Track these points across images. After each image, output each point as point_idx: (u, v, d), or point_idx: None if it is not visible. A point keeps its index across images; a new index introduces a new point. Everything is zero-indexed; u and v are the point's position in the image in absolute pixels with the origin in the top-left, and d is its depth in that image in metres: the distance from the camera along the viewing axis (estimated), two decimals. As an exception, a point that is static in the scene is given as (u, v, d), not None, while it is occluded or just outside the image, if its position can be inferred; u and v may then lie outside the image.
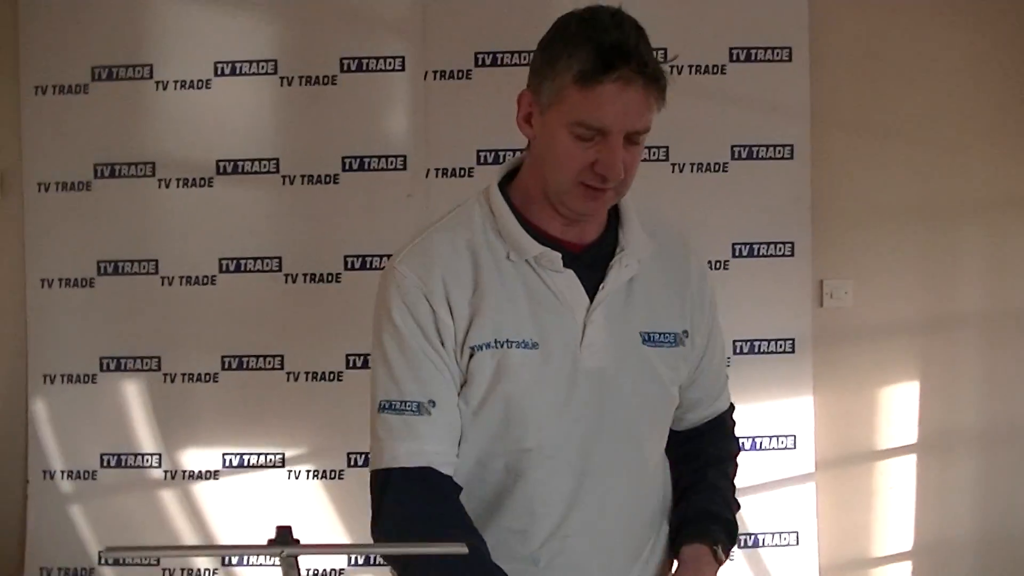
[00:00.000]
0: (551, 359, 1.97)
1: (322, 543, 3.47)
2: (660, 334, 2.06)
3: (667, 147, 4.12)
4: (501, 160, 4.04)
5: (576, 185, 1.92)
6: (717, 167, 4.12)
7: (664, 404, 2.12)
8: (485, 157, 4.07)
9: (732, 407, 2.34)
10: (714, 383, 2.25)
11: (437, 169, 4.08)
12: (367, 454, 3.88)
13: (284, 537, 1.27)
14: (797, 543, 4.12)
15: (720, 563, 2.11)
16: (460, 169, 4.07)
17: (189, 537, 4.09)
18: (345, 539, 4.09)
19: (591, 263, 2.02)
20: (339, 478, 4.11)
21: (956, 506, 4.47)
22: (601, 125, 1.87)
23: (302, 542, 1.29)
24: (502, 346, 1.94)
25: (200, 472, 4.14)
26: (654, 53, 1.89)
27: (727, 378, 2.31)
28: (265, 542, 1.28)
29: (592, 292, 2.00)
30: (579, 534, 2.03)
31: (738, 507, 2.23)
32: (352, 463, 4.09)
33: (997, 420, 4.45)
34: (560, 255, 1.97)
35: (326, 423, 4.13)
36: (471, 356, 1.95)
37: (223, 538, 4.08)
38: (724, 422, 2.30)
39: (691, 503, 2.17)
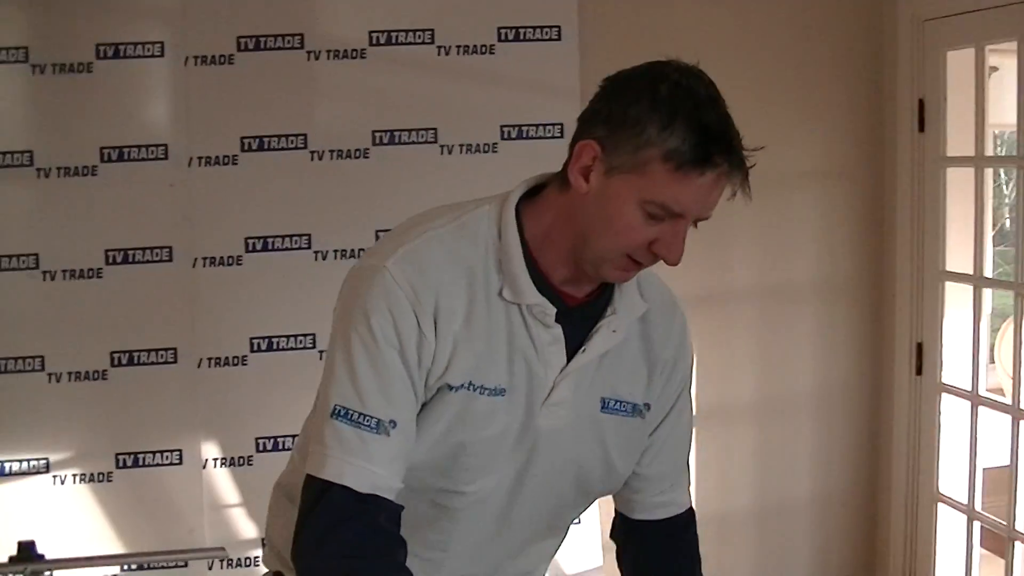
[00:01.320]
0: (513, 410, 1.85)
1: (71, 557, 3.34)
2: (619, 402, 1.95)
3: (435, 129, 4.04)
4: (266, 147, 3.94)
5: (623, 257, 1.77)
6: (487, 148, 4.05)
7: (603, 472, 1.98)
8: (249, 144, 3.96)
9: (692, 513, 2.17)
10: (669, 463, 2.09)
11: (200, 158, 3.95)
12: (137, 454, 3.94)
13: (26, 553, 1.12)
14: (579, 522, 4.06)
15: None
16: (224, 157, 3.95)
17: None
18: (117, 545, 3.94)
19: (579, 320, 1.88)
20: (108, 480, 3.96)
21: (735, 478, 4.54)
22: (682, 211, 1.71)
23: (50, 556, 1.13)
24: (474, 390, 1.81)
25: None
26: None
27: (688, 470, 2.15)
28: (6, 559, 1.12)
29: (572, 350, 1.87)
30: (480, 573, 2.00)
31: None
32: (121, 464, 3.95)
33: (772, 393, 4.54)
34: (555, 310, 1.83)
35: (92, 424, 3.97)
36: (438, 392, 1.81)
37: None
38: (690, 544, 2.18)
39: None
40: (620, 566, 2.19)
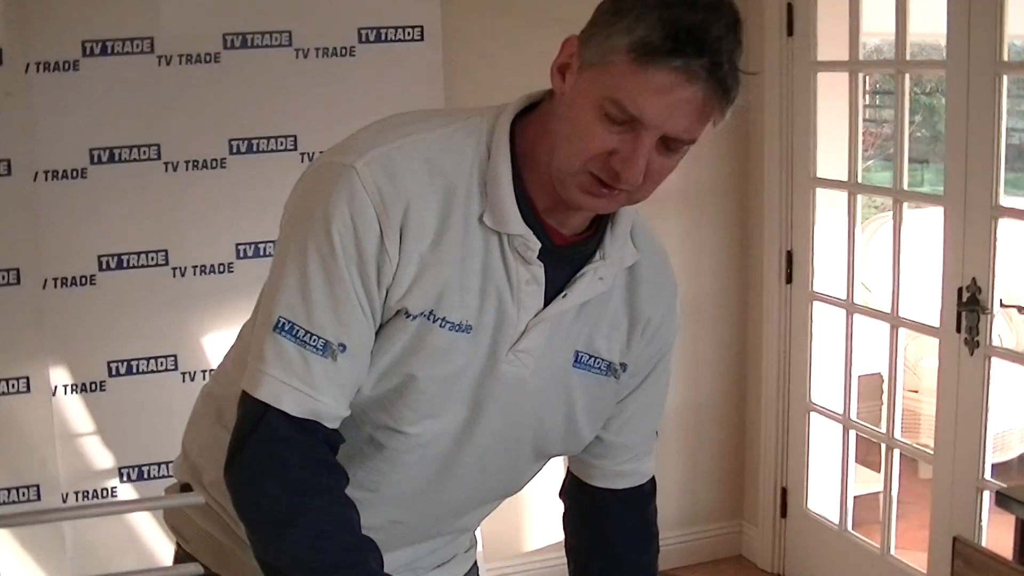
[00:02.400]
0: (475, 350, 1.66)
1: None
2: (594, 358, 1.77)
3: (289, 32, 3.83)
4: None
5: (583, 172, 1.56)
6: (344, 52, 3.86)
7: (564, 431, 1.81)
8: (91, 48, 3.69)
9: (654, 483, 2.04)
10: (639, 433, 1.94)
11: (39, 63, 3.67)
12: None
13: None
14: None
15: None
16: (64, 63, 3.68)
17: None
18: None
19: (564, 262, 1.69)
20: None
21: None
22: (638, 114, 1.50)
23: None
24: (434, 321, 1.60)
25: None
26: (742, 58, 1.53)
27: (655, 438, 2.00)
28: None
29: (551, 294, 1.68)
30: (410, 525, 1.79)
31: None
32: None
33: None
34: (539, 246, 1.64)
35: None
36: (395, 316, 1.60)
37: None
38: (648, 520, 2.04)
39: None
40: (566, 527, 2.05)
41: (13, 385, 3.71)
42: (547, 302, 1.68)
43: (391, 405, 1.66)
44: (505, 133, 1.63)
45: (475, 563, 2.06)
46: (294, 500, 1.57)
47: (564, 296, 1.69)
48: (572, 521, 2.03)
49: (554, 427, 1.79)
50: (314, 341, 1.56)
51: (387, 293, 1.59)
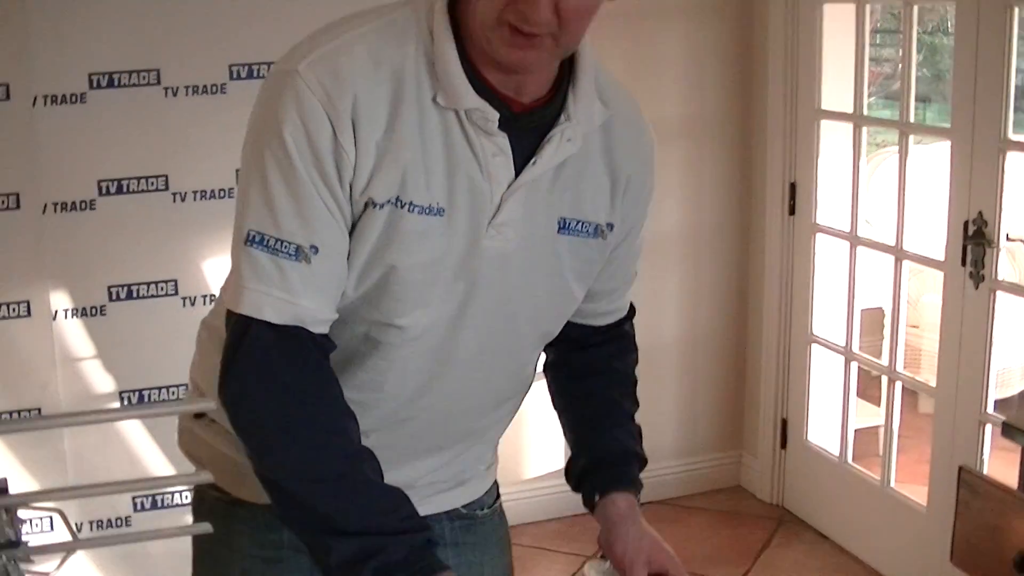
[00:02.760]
0: (452, 232, 1.64)
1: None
2: (580, 223, 1.75)
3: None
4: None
5: (501, 24, 1.54)
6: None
7: (559, 301, 1.82)
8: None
9: (632, 311, 2.07)
10: (620, 276, 1.94)
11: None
12: None
13: None
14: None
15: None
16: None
17: None
18: None
19: (528, 129, 1.66)
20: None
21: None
22: None
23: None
24: (402, 207, 1.58)
25: None
26: None
27: (635, 276, 2.02)
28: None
29: (521, 163, 1.66)
30: (419, 418, 1.76)
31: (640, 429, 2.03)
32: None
33: None
34: (498, 115, 1.62)
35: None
36: (364, 209, 1.58)
37: None
38: (626, 335, 2.06)
39: (600, 444, 1.94)
40: (553, 389, 2.04)
41: (13, 309, 3.70)
42: (519, 172, 1.67)
43: (379, 301, 1.65)
44: (443, 12, 1.62)
45: (495, 483, 2.06)
46: (285, 409, 1.57)
47: (534, 163, 1.67)
48: (556, 378, 2.03)
49: (547, 297, 1.79)
50: (285, 248, 1.56)
51: (351, 188, 1.58)
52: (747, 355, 4.79)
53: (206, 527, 0.98)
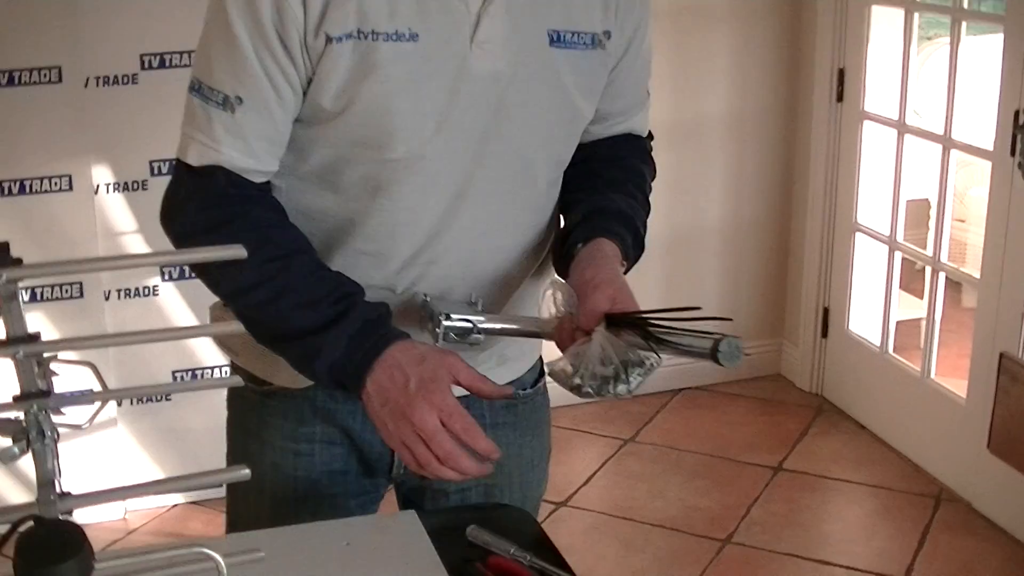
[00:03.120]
0: (432, 56, 1.57)
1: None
2: (574, 34, 1.65)
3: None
4: None
5: None
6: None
7: (567, 120, 1.73)
8: None
9: (651, 137, 1.94)
10: (629, 94, 1.83)
11: None
12: (23, 180, 3.72)
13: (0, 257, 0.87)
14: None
15: (625, 265, 1.74)
16: None
17: None
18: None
19: None
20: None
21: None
22: None
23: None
24: (367, 38, 1.53)
25: None
26: None
27: (648, 97, 1.91)
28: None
29: None
30: (444, 261, 1.69)
31: (646, 229, 1.84)
32: (7, 192, 3.71)
33: (685, 116, 4.45)
34: None
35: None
36: (325, 48, 1.54)
37: None
38: (641, 143, 1.91)
39: (591, 201, 1.77)
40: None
41: (56, 183, 3.70)
42: None
43: (371, 137, 1.61)
44: None
45: (539, 362, 1.98)
46: (208, 237, 1.59)
47: None
48: (572, 173, 1.86)
49: (552, 117, 1.70)
50: (215, 97, 1.58)
51: (305, 31, 1.55)
52: (790, 243, 4.75)
53: (237, 380, 0.98)
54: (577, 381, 1.53)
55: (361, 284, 1.64)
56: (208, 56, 1.59)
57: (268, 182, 1.66)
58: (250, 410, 1.84)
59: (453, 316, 1.63)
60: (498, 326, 1.68)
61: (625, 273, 1.71)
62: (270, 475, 1.83)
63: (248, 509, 1.88)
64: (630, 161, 1.87)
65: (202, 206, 1.62)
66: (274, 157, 1.64)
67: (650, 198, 1.89)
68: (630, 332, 1.51)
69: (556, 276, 1.70)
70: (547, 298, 1.64)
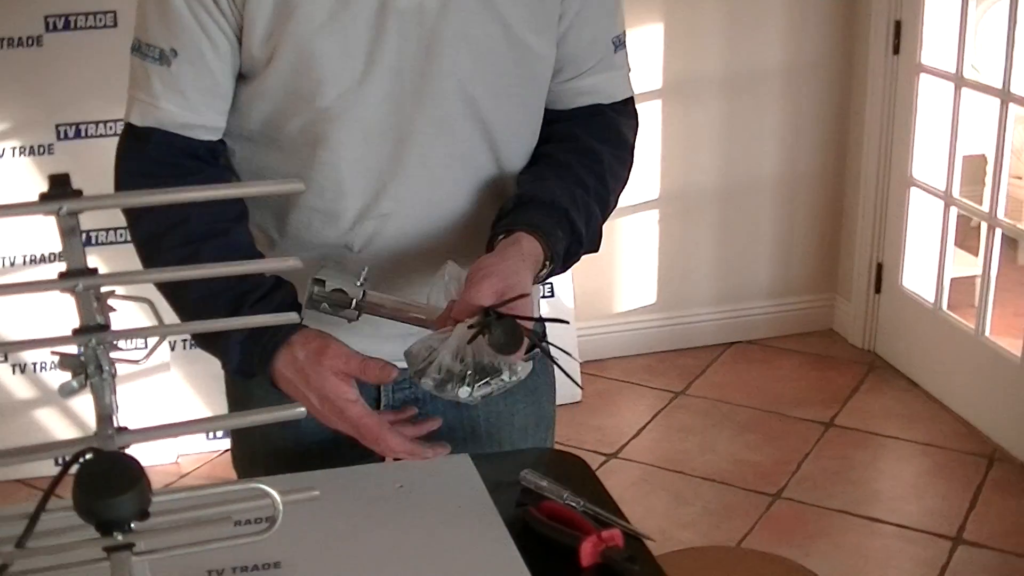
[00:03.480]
0: None
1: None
2: None
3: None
4: None
5: None
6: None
7: (517, 58, 1.63)
8: None
9: (630, 103, 1.80)
10: (588, 42, 1.70)
11: None
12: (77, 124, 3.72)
13: (61, 188, 0.86)
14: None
15: (542, 260, 1.56)
16: None
17: None
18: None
19: None
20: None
21: (700, 155, 4.47)
22: None
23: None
24: None
25: None
26: None
27: (625, 60, 1.77)
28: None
29: None
30: (398, 214, 1.65)
31: (599, 218, 1.68)
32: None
33: (740, 68, 4.41)
34: None
35: None
36: None
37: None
38: (606, 116, 1.76)
39: (528, 187, 1.64)
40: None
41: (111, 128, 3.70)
42: None
43: (300, 85, 1.58)
44: None
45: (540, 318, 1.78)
46: (133, 209, 1.60)
47: None
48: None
49: (497, 52, 1.62)
50: (151, 52, 1.59)
51: None
52: (845, 197, 4.71)
53: (292, 316, 0.97)
54: (421, 366, 1.43)
55: (317, 243, 1.65)
56: (144, 13, 1.59)
57: (219, 144, 1.65)
58: None
59: (326, 284, 1.56)
60: (382, 305, 1.58)
61: (552, 271, 1.60)
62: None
63: (254, 453, 1.89)
64: (586, 142, 1.72)
65: (134, 171, 1.63)
66: (217, 113, 1.63)
67: (621, 176, 1.76)
68: (505, 333, 1.40)
69: (451, 262, 1.55)
70: (441, 284, 1.53)
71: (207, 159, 1.64)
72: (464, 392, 1.41)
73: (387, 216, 1.66)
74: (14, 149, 3.69)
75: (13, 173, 3.70)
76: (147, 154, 1.61)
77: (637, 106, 1.83)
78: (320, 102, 1.59)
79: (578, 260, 1.68)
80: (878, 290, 4.60)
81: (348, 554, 1.42)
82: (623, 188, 1.77)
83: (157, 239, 1.59)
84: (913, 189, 4.34)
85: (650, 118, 4.33)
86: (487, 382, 1.42)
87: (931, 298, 4.33)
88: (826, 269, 4.81)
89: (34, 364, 3.78)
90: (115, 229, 3.66)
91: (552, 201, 1.60)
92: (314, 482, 1.10)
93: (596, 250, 1.70)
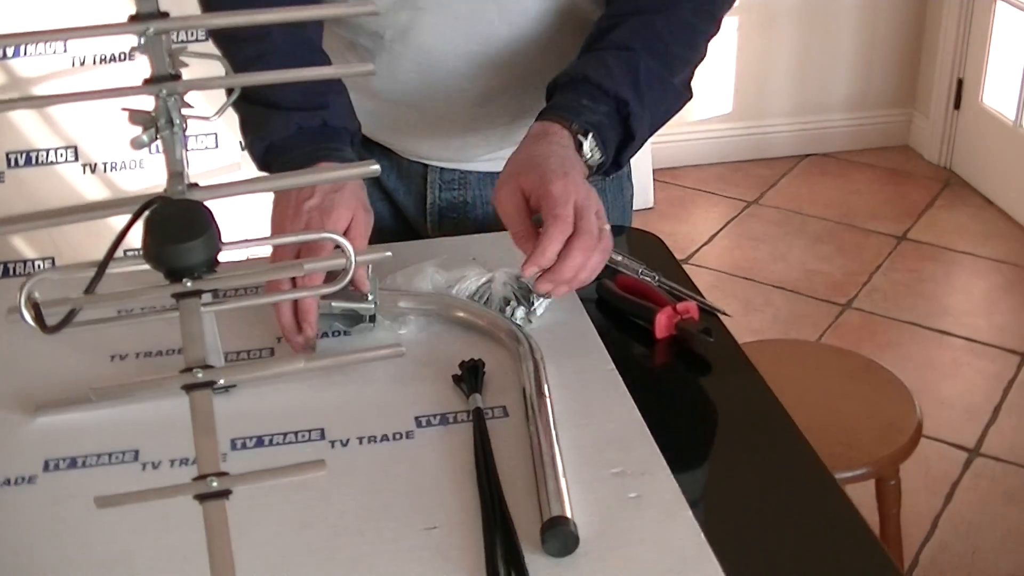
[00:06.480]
0: None
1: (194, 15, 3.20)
2: None
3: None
4: None
5: None
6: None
7: None
8: None
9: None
10: None
11: None
12: None
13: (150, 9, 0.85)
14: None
15: (581, 160, 1.38)
16: None
17: None
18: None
19: None
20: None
21: (774, 74, 4.42)
22: None
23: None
24: None
25: None
26: None
27: None
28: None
29: None
30: (432, 10, 1.57)
31: (676, 102, 1.51)
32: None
33: None
34: None
35: None
36: None
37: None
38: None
39: (576, 64, 1.46)
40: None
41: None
42: None
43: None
44: None
45: None
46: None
47: None
48: None
49: None
50: None
51: None
52: (928, 9, 4.62)
53: (376, 169, 0.89)
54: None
55: (352, 23, 1.59)
56: None
57: None
58: None
59: (334, 304, 1.38)
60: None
61: (610, 139, 1.42)
62: None
63: None
64: (648, 17, 1.48)
65: None
66: None
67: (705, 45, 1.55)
68: None
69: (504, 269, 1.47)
70: (426, 273, 1.46)
71: None
72: (520, 313, 1.40)
73: (422, 10, 1.59)
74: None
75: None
76: None
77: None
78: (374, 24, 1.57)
79: (661, 114, 1.49)
80: (957, 106, 4.54)
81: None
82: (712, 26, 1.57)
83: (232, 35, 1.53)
84: (999, 2, 4.25)
85: (727, 41, 4.32)
86: (540, 302, 1.41)
87: (1012, 115, 4.27)
88: (905, 84, 4.75)
89: (104, 164, 3.81)
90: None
91: (582, 76, 1.43)
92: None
93: (686, 98, 1.54)
